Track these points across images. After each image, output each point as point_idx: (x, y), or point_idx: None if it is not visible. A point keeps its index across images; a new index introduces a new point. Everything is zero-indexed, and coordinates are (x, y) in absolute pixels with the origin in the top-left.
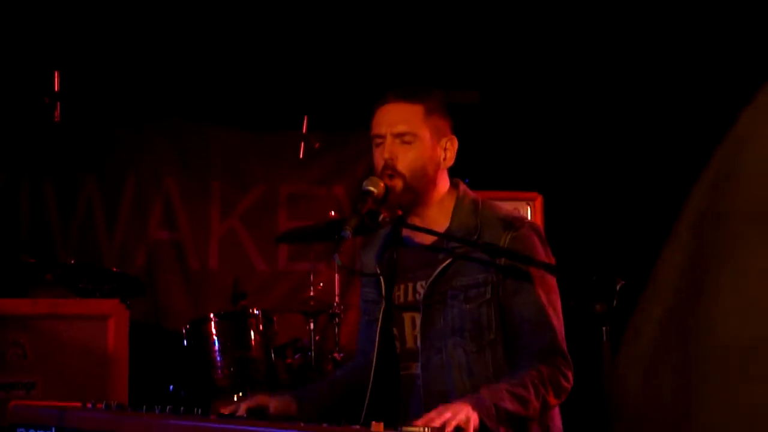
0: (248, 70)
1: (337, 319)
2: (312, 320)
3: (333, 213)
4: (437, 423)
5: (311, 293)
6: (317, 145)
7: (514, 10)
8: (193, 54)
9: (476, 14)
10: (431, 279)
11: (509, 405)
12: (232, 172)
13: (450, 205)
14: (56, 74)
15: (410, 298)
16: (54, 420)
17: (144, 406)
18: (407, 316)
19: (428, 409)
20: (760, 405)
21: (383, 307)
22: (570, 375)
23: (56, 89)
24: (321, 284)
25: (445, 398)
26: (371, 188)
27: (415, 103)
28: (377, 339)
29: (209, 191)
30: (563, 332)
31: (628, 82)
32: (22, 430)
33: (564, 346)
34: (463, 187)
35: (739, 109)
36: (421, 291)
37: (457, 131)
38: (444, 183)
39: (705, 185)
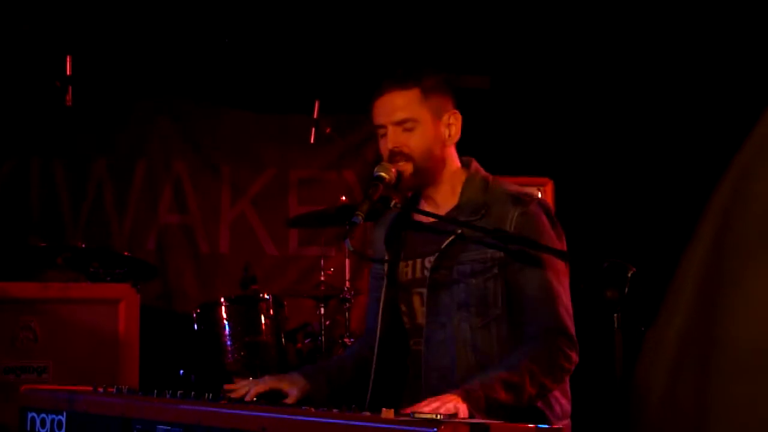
0: (259, 53)
1: (347, 304)
2: (322, 305)
3: (344, 198)
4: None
5: (322, 278)
6: (328, 129)
7: None
8: (205, 37)
9: None
10: (437, 254)
11: (501, 395)
12: (243, 155)
13: (460, 182)
14: (68, 58)
15: (418, 274)
16: (65, 404)
17: (155, 391)
18: (416, 293)
19: (427, 384)
20: None
21: (385, 285)
22: (573, 355)
23: (68, 73)
24: (332, 269)
25: (446, 373)
26: (383, 174)
27: (410, 88)
28: (379, 317)
29: (220, 175)
30: (571, 311)
31: (639, 68)
32: (33, 414)
33: (569, 324)
34: (475, 165)
35: (753, 98)
36: (428, 267)
37: (467, 116)
38: (453, 159)
39: (727, 190)
